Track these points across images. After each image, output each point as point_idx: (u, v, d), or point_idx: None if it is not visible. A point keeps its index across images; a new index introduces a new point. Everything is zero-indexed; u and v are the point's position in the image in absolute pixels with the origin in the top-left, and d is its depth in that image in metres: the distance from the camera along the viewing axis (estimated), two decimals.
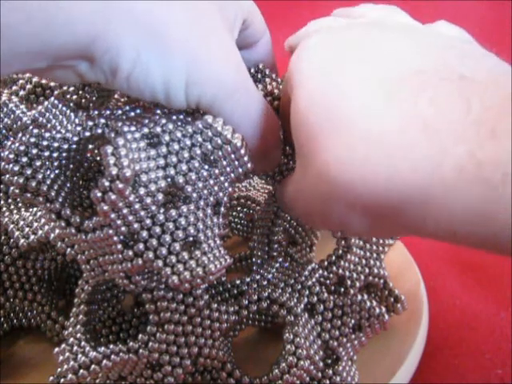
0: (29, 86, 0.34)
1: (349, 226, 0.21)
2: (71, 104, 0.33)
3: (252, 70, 0.31)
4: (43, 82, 0.34)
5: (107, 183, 0.22)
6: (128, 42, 0.21)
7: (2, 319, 0.35)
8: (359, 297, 0.30)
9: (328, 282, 0.31)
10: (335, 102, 0.20)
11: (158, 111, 0.26)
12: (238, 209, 0.44)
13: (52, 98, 0.29)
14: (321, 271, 0.31)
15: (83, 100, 0.34)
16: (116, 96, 0.35)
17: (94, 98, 0.35)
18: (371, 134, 0.18)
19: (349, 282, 0.32)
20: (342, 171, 0.19)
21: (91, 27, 0.20)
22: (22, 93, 0.34)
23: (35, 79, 0.34)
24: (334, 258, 0.32)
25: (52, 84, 0.34)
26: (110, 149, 0.22)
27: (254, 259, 0.35)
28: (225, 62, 0.24)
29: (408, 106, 0.18)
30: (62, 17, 0.20)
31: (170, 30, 0.22)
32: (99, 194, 0.22)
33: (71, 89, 0.34)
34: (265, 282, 0.30)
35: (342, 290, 0.32)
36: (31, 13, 0.19)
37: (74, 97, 0.34)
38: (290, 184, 0.25)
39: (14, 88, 0.34)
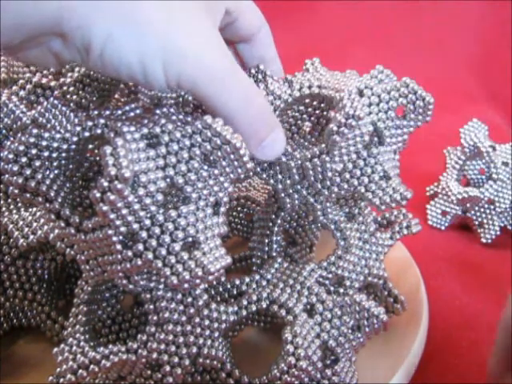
0: (29, 86, 0.34)
1: None
2: (71, 104, 0.33)
3: (252, 71, 0.31)
4: (43, 81, 0.34)
5: (106, 183, 0.22)
6: (100, 19, 0.22)
7: (2, 319, 0.35)
8: (358, 297, 0.30)
9: (327, 282, 0.31)
10: None
11: (158, 111, 0.26)
12: (238, 209, 0.44)
13: (52, 98, 0.29)
14: (320, 271, 0.31)
15: (83, 100, 0.34)
16: (116, 96, 0.35)
17: (93, 98, 0.35)
18: None
19: (348, 283, 0.32)
20: None
21: (63, 4, 0.21)
22: (21, 93, 0.34)
23: (35, 79, 0.34)
24: (333, 258, 0.32)
25: (52, 84, 0.34)
26: (109, 149, 0.22)
27: (253, 259, 0.35)
28: (204, 44, 0.24)
29: None
30: None
31: (145, 10, 0.23)
32: (98, 195, 0.22)
33: (71, 89, 0.34)
34: (264, 283, 0.30)
35: (342, 290, 0.32)
36: None
37: (74, 97, 0.34)
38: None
39: (14, 88, 0.34)
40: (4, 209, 0.33)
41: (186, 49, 0.23)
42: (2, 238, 0.34)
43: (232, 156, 0.24)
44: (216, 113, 0.25)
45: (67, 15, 0.21)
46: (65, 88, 0.34)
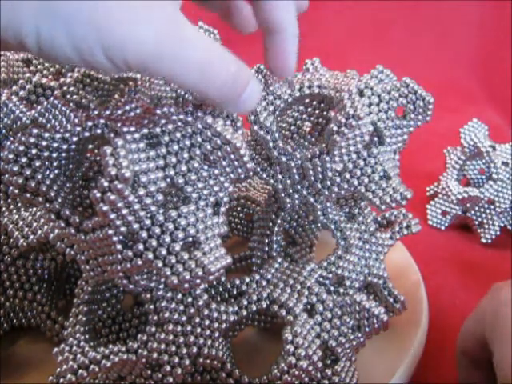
0: (29, 86, 0.34)
1: None
2: (71, 104, 0.33)
3: (252, 71, 0.31)
4: (43, 81, 0.34)
5: (106, 183, 0.22)
6: (26, 18, 0.21)
7: (2, 319, 0.35)
8: (359, 297, 0.30)
9: (327, 282, 0.31)
10: None
11: (158, 111, 0.25)
12: (238, 209, 0.44)
13: (52, 98, 0.29)
14: (320, 271, 0.31)
15: (83, 100, 0.34)
16: (116, 96, 0.35)
17: (93, 98, 0.35)
18: None
19: (348, 283, 0.32)
20: None
21: None
22: (21, 93, 0.34)
23: (35, 79, 0.34)
24: (333, 258, 0.32)
25: (52, 84, 0.34)
26: (109, 149, 0.22)
27: (253, 259, 0.35)
28: (146, 21, 0.22)
29: None
30: None
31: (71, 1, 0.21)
32: (98, 195, 0.22)
33: (71, 89, 0.34)
34: (264, 282, 0.30)
35: (342, 290, 0.32)
36: None
37: (74, 97, 0.34)
38: None
39: (14, 88, 0.34)
40: (4, 209, 0.33)
41: (125, 31, 0.22)
42: (2, 237, 0.34)
43: (232, 156, 0.24)
44: (181, 87, 0.24)
45: None
46: (65, 88, 0.34)
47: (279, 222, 0.34)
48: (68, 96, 0.34)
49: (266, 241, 0.35)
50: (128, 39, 0.22)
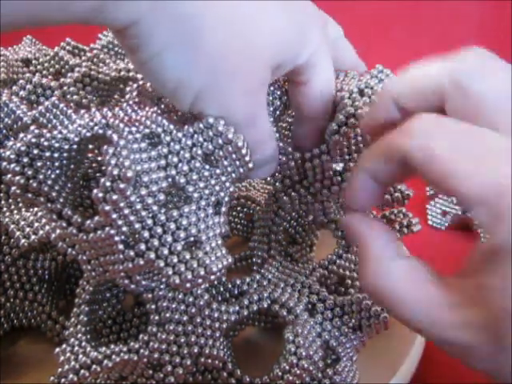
0: (29, 86, 0.34)
1: None
2: (72, 104, 0.33)
3: None
4: (43, 81, 0.34)
5: (108, 183, 0.22)
6: (158, 40, 0.21)
7: (3, 319, 0.35)
8: (359, 296, 0.30)
9: (328, 281, 0.32)
10: None
11: (159, 111, 0.26)
12: (238, 209, 0.44)
13: (53, 98, 0.29)
14: (321, 271, 0.31)
15: (83, 100, 0.34)
16: (116, 96, 0.35)
17: (93, 98, 0.35)
18: None
19: (349, 282, 0.32)
20: None
21: (128, 15, 0.20)
22: (22, 93, 0.34)
23: (35, 79, 0.34)
24: (334, 257, 0.32)
25: (52, 84, 0.34)
26: (111, 149, 0.22)
27: (254, 259, 0.35)
28: (241, 97, 0.24)
29: None
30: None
31: (209, 40, 0.22)
32: (100, 194, 0.22)
33: (71, 89, 0.34)
34: (265, 282, 0.30)
35: (343, 289, 0.32)
36: None
37: (74, 97, 0.34)
38: None
39: (15, 88, 0.34)
40: (5, 209, 0.33)
41: (220, 97, 0.23)
42: (3, 238, 0.34)
43: (234, 155, 0.24)
44: None
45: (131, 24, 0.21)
46: (65, 88, 0.34)
47: (279, 221, 0.34)
48: (68, 96, 0.34)
49: (267, 240, 0.35)
50: (223, 99, 0.24)
